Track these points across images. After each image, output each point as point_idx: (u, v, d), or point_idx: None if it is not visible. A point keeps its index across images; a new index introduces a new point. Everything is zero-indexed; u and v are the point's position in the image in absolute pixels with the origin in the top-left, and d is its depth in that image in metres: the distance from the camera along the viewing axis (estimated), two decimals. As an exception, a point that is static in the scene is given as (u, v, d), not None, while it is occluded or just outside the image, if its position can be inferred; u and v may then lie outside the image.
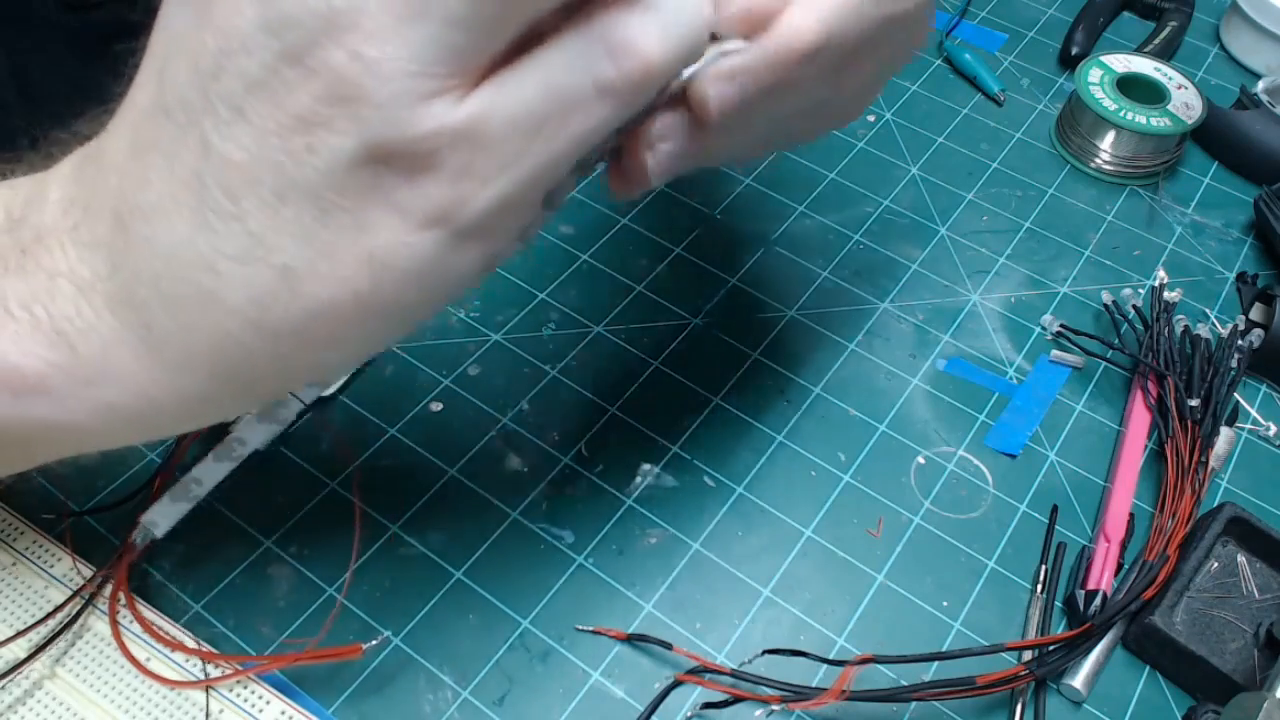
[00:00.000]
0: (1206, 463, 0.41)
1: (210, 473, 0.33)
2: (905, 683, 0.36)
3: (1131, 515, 0.41)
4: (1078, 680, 0.37)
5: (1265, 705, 0.33)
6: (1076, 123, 0.56)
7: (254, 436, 0.35)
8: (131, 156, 0.21)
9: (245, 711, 0.33)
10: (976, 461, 0.43)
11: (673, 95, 0.26)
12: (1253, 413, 0.46)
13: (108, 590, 0.35)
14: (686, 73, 0.26)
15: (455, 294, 0.22)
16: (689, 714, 0.35)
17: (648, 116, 0.25)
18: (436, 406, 0.43)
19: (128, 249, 0.21)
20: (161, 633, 0.35)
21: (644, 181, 0.27)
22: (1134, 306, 0.47)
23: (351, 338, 0.22)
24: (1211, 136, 0.57)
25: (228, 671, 0.34)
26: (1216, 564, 0.39)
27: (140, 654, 0.34)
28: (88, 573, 0.36)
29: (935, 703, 0.36)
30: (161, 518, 0.32)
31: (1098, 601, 0.38)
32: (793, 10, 0.25)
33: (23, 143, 0.25)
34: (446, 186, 0.20)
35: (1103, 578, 0.39)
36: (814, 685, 0.36)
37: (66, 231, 0.22)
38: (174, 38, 0.20)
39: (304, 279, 0.20)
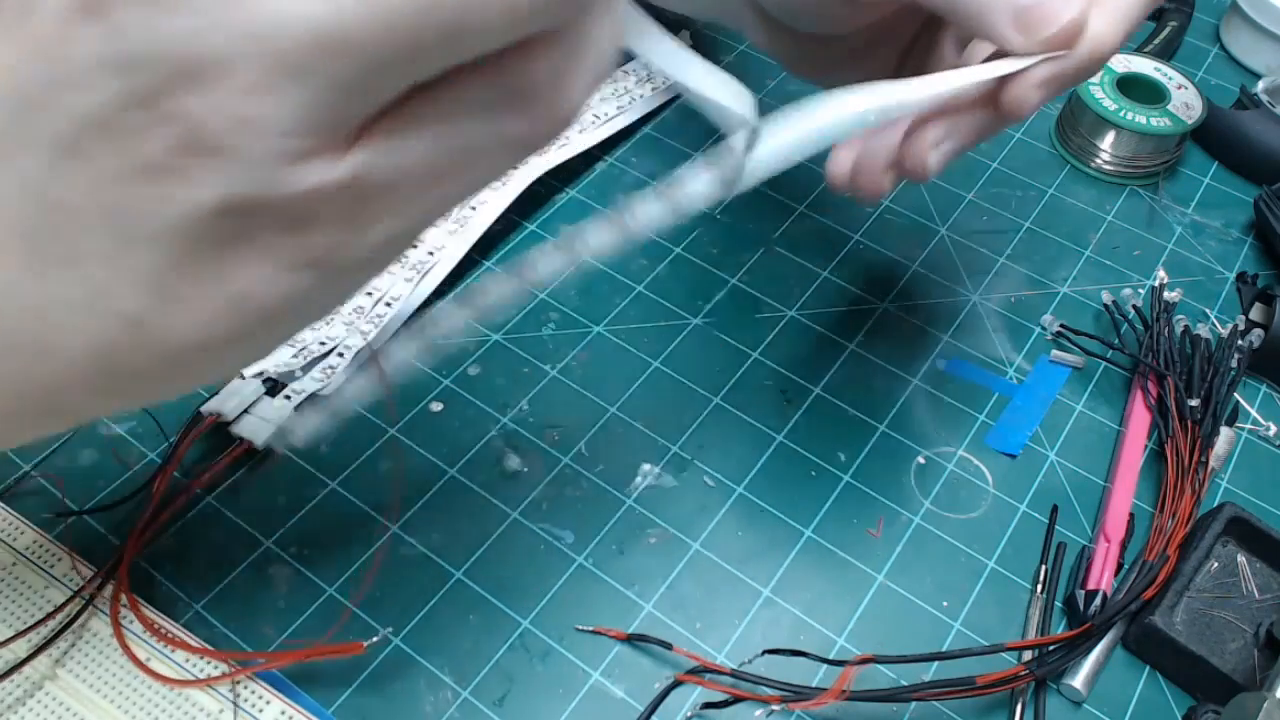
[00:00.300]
0: (1206, 463, 0.41)
1: (354, 389, 0.29)
2: (905, 683, 0.36)
3: (1131, 515, 0.41)
4: (1078, 680, 0.37)
5: (1265, 705, 0.33)
6: (1076, 123, 0.56)
7: (398, 353, 0.29)
8: None
9: (245, 711, 0.33)
10: (976, 461, 0.43)
11: (965, 100, 0.31)
12: (1253, 413, 0.46)
13: (108, 590, 0.35)
14: (990, 73, 0.30)
15: (342, 303, 0.20)
16: (689, 714, 0.35)
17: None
18: (436, 406, 0.43)
19: None
20: (164, 633, 0.35)
21: (924, 178, 0.32)
22: (1134, 306, 0.47)
23: (208, 372, 0.20)
24: (1211, 136, 0.57)
25: (229, 670, 0.34)
26: (1216, 564, 0.39)
27: (141, 653, 0.34)
28: (88, 573, 0.36)
29: (935, 703, 0.36)
30: (302, 424, 0.29)
31: (1098, 601, 0.38)
32: (1095, 20, 0.29)
33: None
34: (325, 235, 0.17)
35: (1103, 578, 0.39)
36: (814, 685, 0.36)
37: None
38: None
39: (155, 327, 0.18)
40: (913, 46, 0.37)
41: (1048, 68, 0.30)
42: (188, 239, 0.17)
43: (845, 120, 0.28)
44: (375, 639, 0.34)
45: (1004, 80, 0.30)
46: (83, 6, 0.15)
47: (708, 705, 0.35)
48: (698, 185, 0.27)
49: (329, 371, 0.42)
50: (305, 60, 0.15)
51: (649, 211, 0.28)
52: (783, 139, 0.27)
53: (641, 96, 0.55)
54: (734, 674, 0.36)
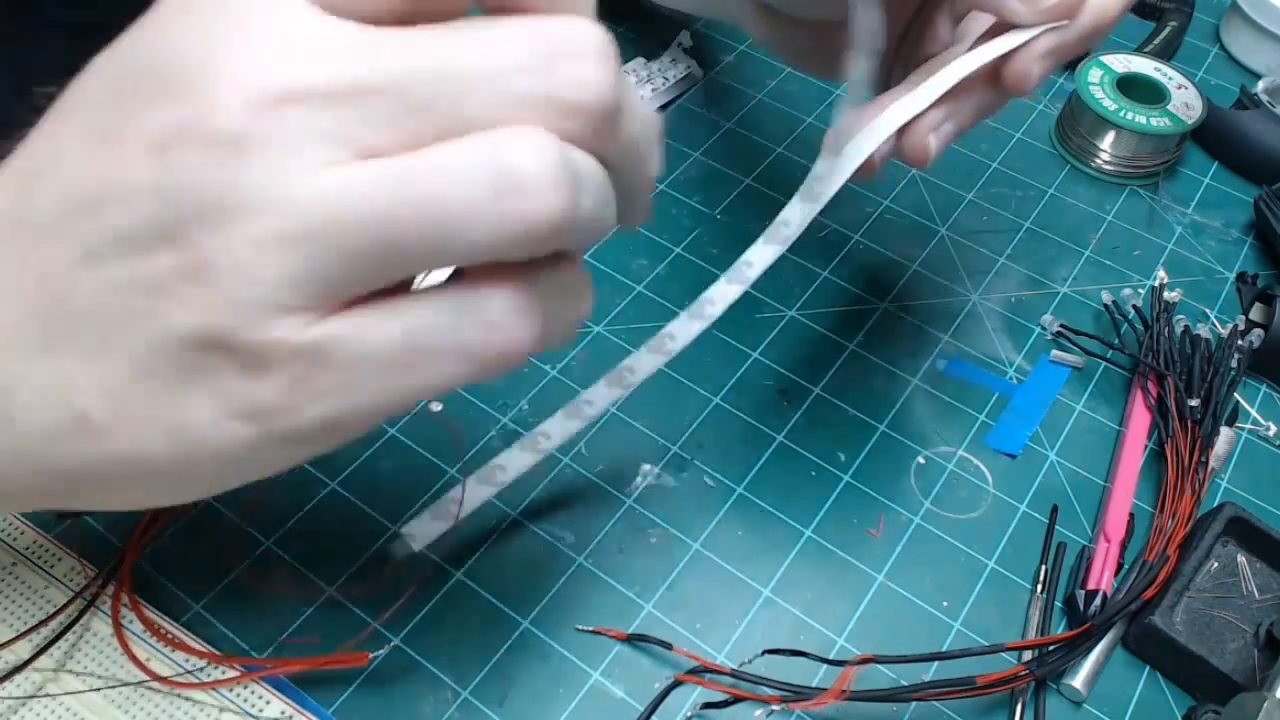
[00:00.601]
0: (1206, 463, 0.41)
1: (470, 494, 0.32)
2: (905, 683, 0.36)
3: (1131, 515, 0.41)
4: (1078, 680, 0.37)
5: (1265, 705, 0.33)
6: (1076, 123, 0.56)
7: (514, 463, 0.32)
8: None
9: (246, 711, 0.34)
10: (976, 461, 0.43)
11: (965, 81, 0.31)
12: (1253, 413, 0.46)
13: (109, 590, 0.35)
14: (993, 53, 0.29)
15: (273, 472, 0.22)
16: (689, 714, 0.35)
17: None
18: (436, 407, 0.43)
19: None
20: (165, 634, 0.35)
21: (925, 164, 0.32)
22: (1134, 306, 0.47)
23: (150, 493, 0.22)
24: (1211, 136, 0.57)
25: (232, 674, 0.34)
26: (1216, 564, 0.39)
27: (142, 654, 0.34)
28: (90, 573, 0.36)
29: (935, 703, 0.36)
30: (422, 531, 0.32)
31: (1098, 601, 0.38)
32: None
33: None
34: (275, 392, 0.19)
35: (1103, 578, 0.39)
36: (814, 685, 0.36)
37: None
38: (56, 152, 0.19)
39: (101, 430, 0.20)
40: (908, 28, 0.37)
41: (1050, 39, 0.30)
42: (154, 358, 0.19)
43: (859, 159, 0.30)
44: (382, 651, 0.34)
45: (1005, 56, 0.30)
46: (154, 144, 0.18)
47: (708, 705, 0.35)
48: (766, 256, 0.29)
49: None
50: (309, 231, 0.18)
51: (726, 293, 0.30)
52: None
53: (641, 97, 0.55)
54: (734, 674, 0.36)
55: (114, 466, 0.20)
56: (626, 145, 0.21)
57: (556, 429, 0.29)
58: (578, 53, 0.19)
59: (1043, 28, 0.30)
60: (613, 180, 0.21)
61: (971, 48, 0.32)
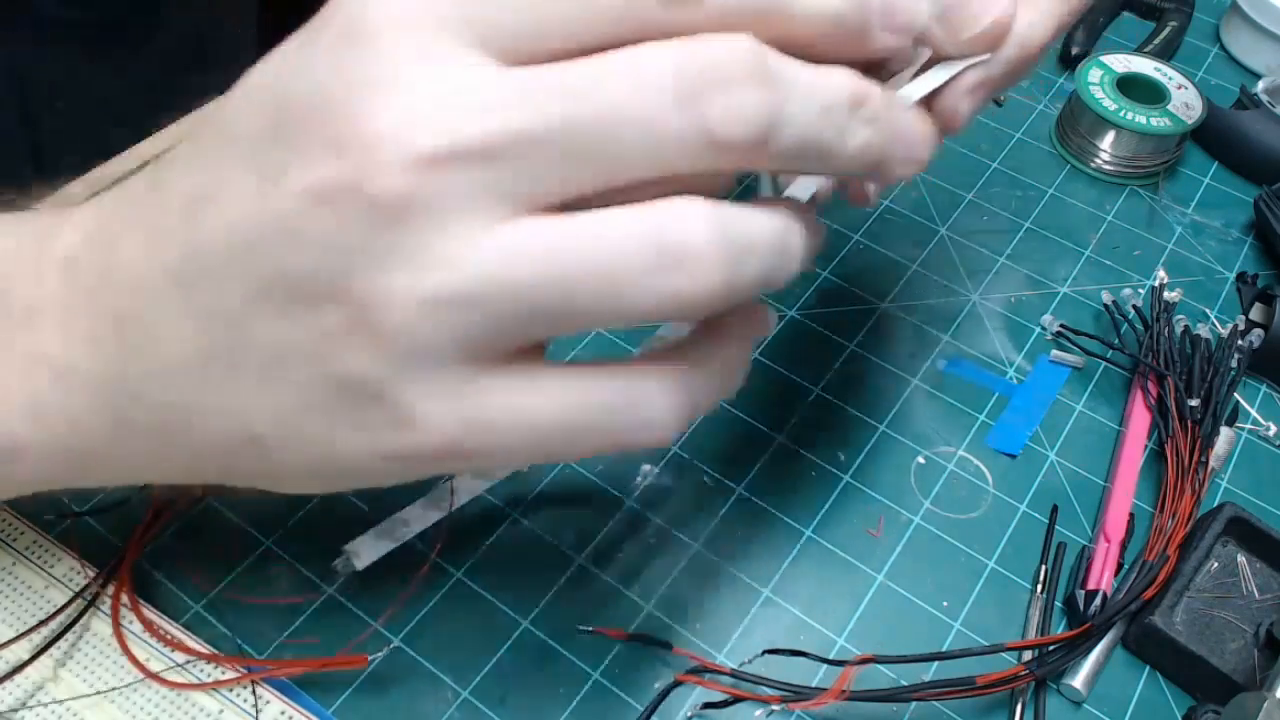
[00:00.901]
0: (1206, 463, 0.41)
1: (418, 517, 0.34)
2: (905, 683, 0.36)
3: (1131, 515, 0.41)
4: (1078, 680, 0.37)
5: (1265, 705, 0.33)
6: (1076, 123, 0.56)
7: (465, 488, 0.36)
8: (149, 269, 0.21)
9: (245, 711, 0.34)
10: (976, 461, 0.43)
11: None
12: (1253, 413, 0.46)
13: (109, 590, 0.35)
14: (921, 90, 0.28)
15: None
16: (689, 714, 0.35)
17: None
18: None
19: (123, 355, 0.22)
20: (164, 634, 0.35)
21: (868, 205, 0.32)
22: (1134, 306, 0.47)
23: (314, 490, 0.24)
24: (1211, 136, 0.57)
25: (232, 674, 0.34)
26: (1216, 564, 0.39)
27: (142, 654, 0.34)
28: (89, 573, 0.36)
29: (935, 703, 0.36)
30: (365, 550, 0.34)
31: (1098, 601, 0.38)
32: (1023, 15, 0.28)
33: (24, 161, 0.26)
34: (426, 440, 0.20)
35: (1103, 578, 0.39)
36: (814, 685, 0.36)
37: (59, 313, 0.23)
38: (221, 182, 0.20)
39: (271, 449, 0.21)
40: None
41: (975, 74, 0.29)
42: (321, 396, 0.20)
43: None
44: (381, 652, 0.34)
45: (934, 93, 0.29)
46: (318, 196, 0.18)
47: (708, 705, 0.35)
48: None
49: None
50: (470, 294, 0.18)
51: None
52: None
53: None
54: (734, 674, 0.36)
55: (281, 475, 0.23)
56: (804, 140, 0.20)
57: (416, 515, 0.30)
58: (726, 80, 0.19)
59: (967, 62, 0.29)
60: (813, 164, 0.21)
61: (914, 76, 0.31)
